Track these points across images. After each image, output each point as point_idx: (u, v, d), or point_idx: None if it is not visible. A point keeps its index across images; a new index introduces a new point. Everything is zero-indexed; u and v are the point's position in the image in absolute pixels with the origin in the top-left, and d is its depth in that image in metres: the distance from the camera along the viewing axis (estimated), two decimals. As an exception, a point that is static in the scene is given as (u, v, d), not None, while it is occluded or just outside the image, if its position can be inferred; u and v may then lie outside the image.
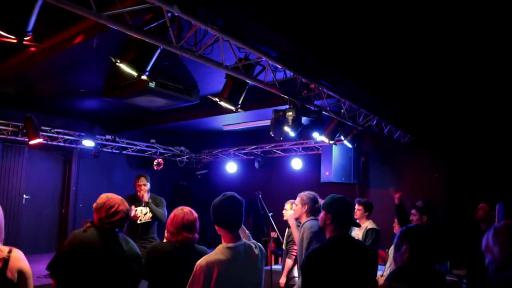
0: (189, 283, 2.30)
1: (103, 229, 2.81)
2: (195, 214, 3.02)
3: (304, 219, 3.83)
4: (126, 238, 2.97)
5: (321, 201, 4.57)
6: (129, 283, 2.88)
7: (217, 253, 2.39)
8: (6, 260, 2.22)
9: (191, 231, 2.92)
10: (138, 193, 5.40)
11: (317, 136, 5.58)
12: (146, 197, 5.38)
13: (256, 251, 2.56)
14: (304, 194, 3.89)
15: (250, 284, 2.49)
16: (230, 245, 2.43)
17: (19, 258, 2.29)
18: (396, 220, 5.08)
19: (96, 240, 2.76)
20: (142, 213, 5.42)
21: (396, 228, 5.09)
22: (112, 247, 2.79)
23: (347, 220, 2.73)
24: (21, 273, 2.27)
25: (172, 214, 3.00)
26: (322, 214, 2.77)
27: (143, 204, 5.39)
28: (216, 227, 2.51)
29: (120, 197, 2.92)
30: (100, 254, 2.73)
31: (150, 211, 5.42)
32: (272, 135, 5.07)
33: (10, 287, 2.19)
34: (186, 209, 3.01)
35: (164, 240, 3.12)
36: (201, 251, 2.88)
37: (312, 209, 3.82)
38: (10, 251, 2.28)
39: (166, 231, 3.04)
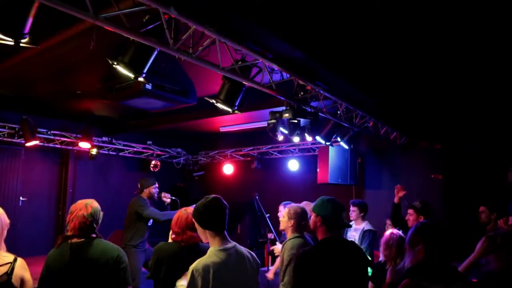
0: None
1: (68, 241, 2.74)
2: None
3: (289, 234, 3.64)
4: (103, 243, 2.85)
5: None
6: None
7: (211, 256, 2.41)
8: (12, 267, 2.35)
9: (196, 230, 2.95)
10: (161, 195, 5.61)
11: (313, 137, 5.60)
12: (168, 196, 5.55)
13: (248, 255, 2.60)
14: (292, 208, 3.64)
15: (245, 285, 2.52)
16: (221, 247, 2.46)
17: (23, 267, 2.44)
18: (388, 222, 5.05)
19: (61, 254, 2.71)
20: None
21: (389, 229, 5.09)
22: (77, 255, 2.71)
23: (337, 222, 2.74)
24: (23, 282, 2.41)
25: (176, 215, 3.04)
26: (312, 216, 2.78)
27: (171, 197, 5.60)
28: (203, 230, 2.52)
29: (86, 202, 2.84)
30: (63, 269, 2.68)
31: None
32: (273, 135, 5.08)
33: None
34: (190, 209, 3.02)
35: (170, 240, 3.15)
36: (206, 249, 2.91)
37: (299, 226, 3.56)
38: (15, 259, 2.42)
39: (171, 232, 3.08)
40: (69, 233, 2.74)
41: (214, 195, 2.56)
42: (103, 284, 2.71)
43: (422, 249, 2.19)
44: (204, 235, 2.54)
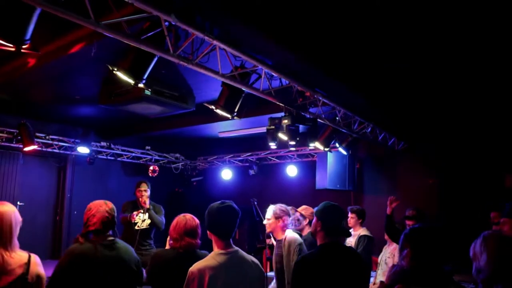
0: None
1: (91, 237, 2.76)
2: (197, 221, 3.09)
3: (279, 233, 3.75)
4: (124, 244, 2.94)
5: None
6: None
7: (208, 259, 2.47)
8: (27, 265, 2.40)
9: (194, 236, 2.99)
10: (140, 199, 5.44)
11: (312, 143, 5.61)
12: (147, 203, 5.42)
13: (251, 261, 2.61)
14: (277, 208, 3.78)
15: None
16: (221, 251, 2.50)
17: (37, 263, 2.48)
18: None
19: (91, 251, 2.72)
20: (141, 220, 5.44)
21: (387, 236, 5.10)
22: (107, 255, 2.75)
23: (337, 228, 2.76)
24: (38, 278, 2.45)
25: (174, 221, 3.05)
26: (314, 220, 2.82)
27: (142, 211, 5.42)
28: (208, 232, 2.58)
29: (103, 200, 2.90)
30: (96, 264, 2.70)
31: (149, 217, 5.44)
32: (271, 142, 5.10)
33: None
34: (188, 215, 3.07)
35: (167, 247, 3.18)
36: (203, 256, 2.92)
37: (289, 222, 3.74)
38: (29, 257, 2.46)
39: (169, 238, 3.10)
40: (91, 228, 2.76)
41: (229, 202, 2.59)
42: (128, 284, 2.81)
43: (409, 253, 2.16)
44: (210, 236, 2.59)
